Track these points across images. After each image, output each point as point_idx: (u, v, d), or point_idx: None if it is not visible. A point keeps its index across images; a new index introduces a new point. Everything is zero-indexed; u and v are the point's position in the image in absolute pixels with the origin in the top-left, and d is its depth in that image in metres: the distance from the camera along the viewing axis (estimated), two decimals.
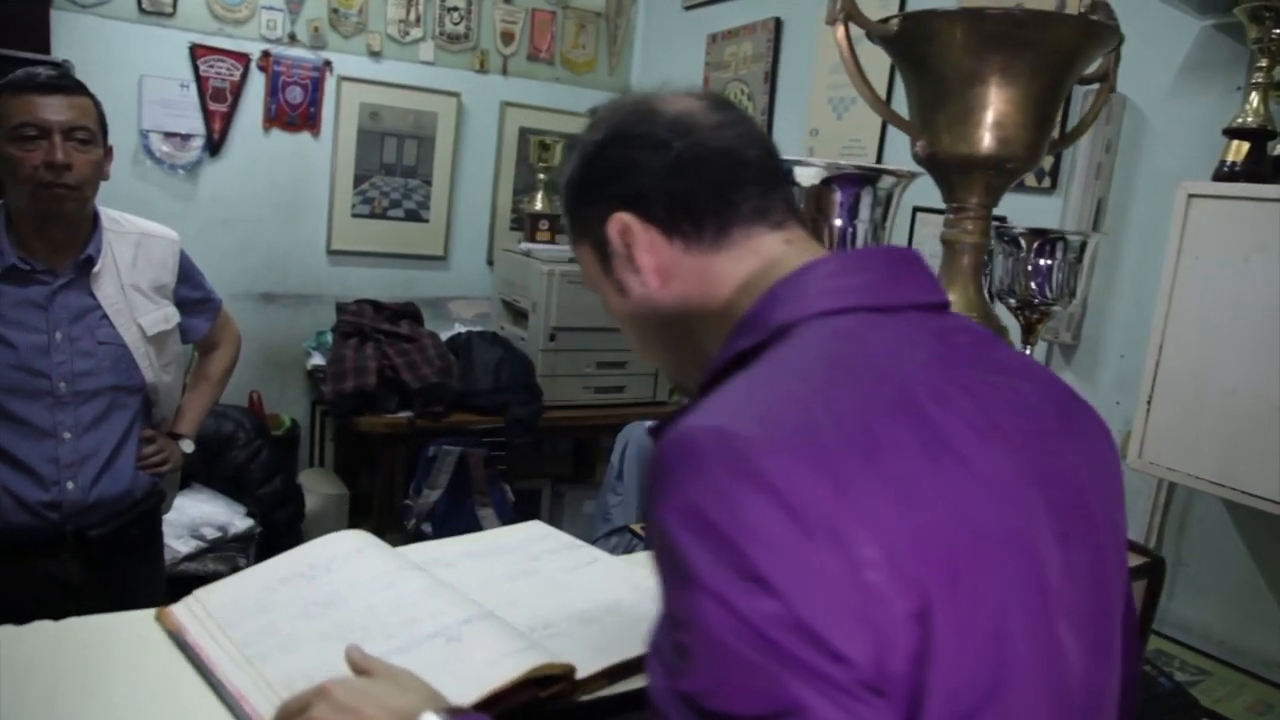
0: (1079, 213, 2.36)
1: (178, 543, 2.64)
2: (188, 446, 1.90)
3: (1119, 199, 2.34)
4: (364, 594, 1.01)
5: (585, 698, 0.95)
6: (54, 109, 1.57)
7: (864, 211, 1.04)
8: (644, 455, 3.14)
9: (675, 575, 0.56)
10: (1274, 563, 1.89)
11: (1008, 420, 0.66)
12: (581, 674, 0.94)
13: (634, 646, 0.98)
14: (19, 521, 1.62)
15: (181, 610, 1.00)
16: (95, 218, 1.70)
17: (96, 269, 1.67)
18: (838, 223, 1.04)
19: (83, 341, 1.66)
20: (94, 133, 1.63)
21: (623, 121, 0.79)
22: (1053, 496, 0.65)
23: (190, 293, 1.87)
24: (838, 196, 1.03)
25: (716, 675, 0.53)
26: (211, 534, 2.75)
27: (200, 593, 1.02)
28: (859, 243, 1.05)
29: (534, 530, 1.30)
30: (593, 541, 3.13)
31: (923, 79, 1.17)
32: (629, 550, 2.95)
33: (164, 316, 1.77)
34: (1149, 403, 1.88)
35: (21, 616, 1.00)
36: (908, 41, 1.15)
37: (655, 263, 0.77)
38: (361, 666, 0.80)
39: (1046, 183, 2.45)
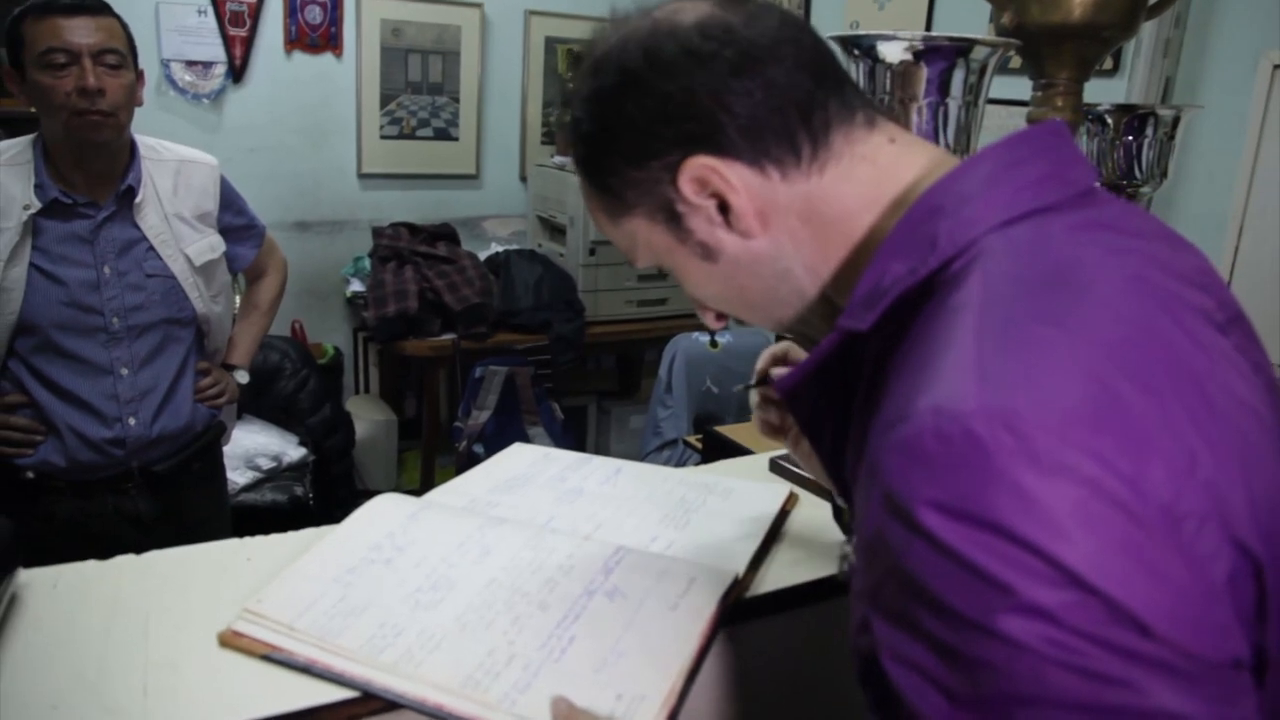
0: (1145, 94, 2.24)
1: (235, 474, 2.65)
2: (243, 377, 1.88)
3: (1188, 77, 2.22)
4: (470, 568, 0.93)
5: (748, 595, 0.96)
6: (81, 31, 1.49)
7: (955, 88, 0.96)
8: (693, 367, 3.11)
9: (955, 590, 0.45)
10: None
11: (1226, 331, 0.57)
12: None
13: (739, 540, 1.03)
14: (85, 459, 1.61)
15: (254, 629, 0.84)
16: (133, 146, 1.65)
17: (139, 199, 1.62)
18: (928, 102, 0.96)
19: (131, 275, 1.62)
20: (124, 55, 1.56)
21: (640, 51, 0.63)
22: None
23: (234, 219, 1.81)
24: (927, 73, 0.96)
25: (1043, 694, 0.44)
26: (267, 464, 2.76)
27: (255, 606, 0.86)
28: (951, 123, 0.97)
29: (529, 452, 1.27)
30: (643, 455, 3.14)
31: None
32: (681, 462, 2.94)
33: (210, 245, 1.73)
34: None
35: (95, 553, 0.98)
36: None
37: (753, 205, 0.63)
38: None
39: (1109, 64, 2.33)
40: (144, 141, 1.67)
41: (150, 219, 1.64)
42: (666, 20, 0.64)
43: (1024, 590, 0.44)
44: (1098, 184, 0.63)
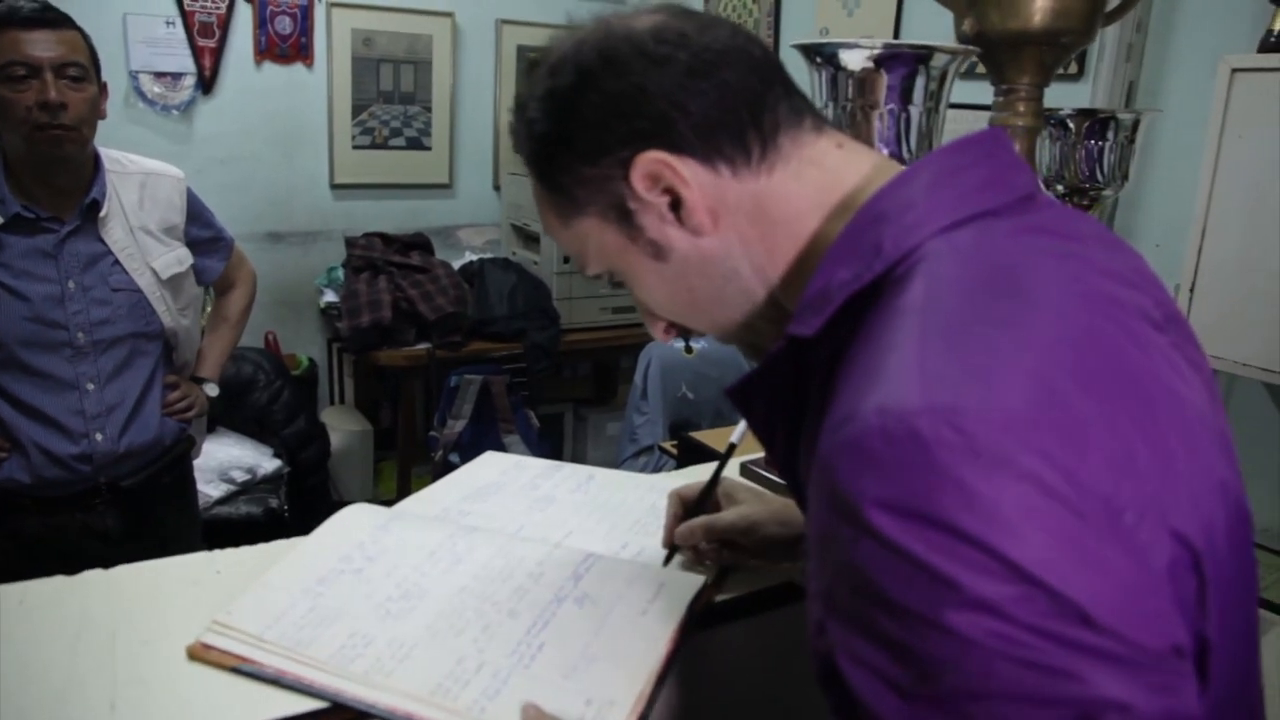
0: (1109, 98, 2.27)
1: (208, 487, 2.63)
2: (212, 390, 1.87)
3: (1151, 81, 2.25)
4: (440, 577, 0.93)
5: (717, 600, 0.96)
6: (42, 45, 1.48)
7: (917, 95, 0.97)
8: (668, 373, 3.12)
9: (903, 587, 0.46)
10: None
11: (1161, 325, 0.59)
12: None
13: None
14: (51, 475, 1.60)
15: (223, 641, 0.84)
16: (96, 159, 1.63)
17: (103, 213, 1.61)
18: (889, 108, 0.97)
19: (97, 289, 1.61)
20: (86, 69, 1.54)
21: (595, 52, 0.64)
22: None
23: (201, 232, 1.80)
24: (888, 80, 0.97)
25: (991, 687, 0.45)
26: (241, 477, 2.75)
27: (224, 618, 0.86)
28: (913, 129, 0.99)
29: (500, 460, 1.26)
30: (620, 462, 3.14)
31: None
32: (658, 468, 2.94)
33: (177, 259, 1.72)
34: (1191, 290, 1.83)
35: (64, 569, 0.97)
36: None
37: (704, 201, 0.64)
38: None
39: (1073, 68, 2.36)
40: (108, 154, 1.66)
41: (115, 233, 1.63)
42: (622, 26, 0.65)
43: (970, 585, 0.44)
44: (1038, 189, 0.64)
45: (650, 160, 0.63)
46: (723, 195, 0.64)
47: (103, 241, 1.61)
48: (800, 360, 0.63)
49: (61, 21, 1.53)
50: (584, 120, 0.65)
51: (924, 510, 0.46)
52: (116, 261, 1.62)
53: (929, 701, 0.46)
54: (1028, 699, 0.44)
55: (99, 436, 1.62)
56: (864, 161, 0.66)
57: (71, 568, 0.98)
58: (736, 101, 0.63)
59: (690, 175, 0.63)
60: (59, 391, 1.59)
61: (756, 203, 0.64)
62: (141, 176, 1.69)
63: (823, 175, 0.65)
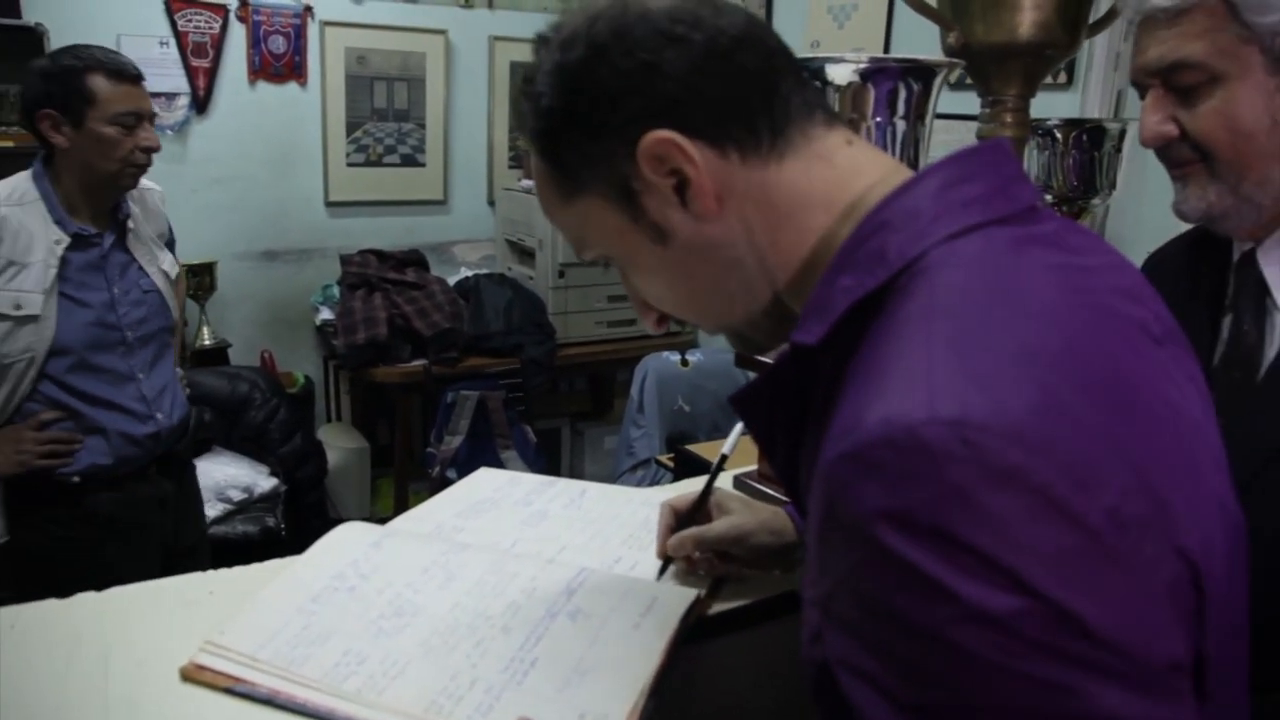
0: (1099, 107, 2.29)
1: (205, 506, 2.63)
2: None
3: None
4: (434, 594, 0.93)
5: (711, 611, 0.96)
6: (144, 99, 1.78)
7: (903, 107, 0.98)
8: (664, 386, 3.12)
9: (904, 599, 0.46)
10: None
11: (1162, 336, 0.60)
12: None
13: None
14: (129, 454, 1.84)
15: (216, 661, 0.84)
16: None
17: (132, 226, 1.87)
18: (876, 121, 0.98)
19: (133, 293, 1.86)
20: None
21: (609, 28, 0.63)
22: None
23: (170, 236, 2.06)
24: (874, 93, 0.98)
25: (990, 700, 0.45)
26: (238, 496, 2.74)
27: (217, 638, 0.86)
28: (899, 140, 0.99)
29: (494, 477, 1.27)
30: (618, 476, 3.14)
31: None
32: (655, 481, 2.94)
33: (171, 261, 1.99)
34: None
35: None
36: None
37: (711, 184, 0.62)
38: None
39: (1062, 78, 2.37)
40: None
41: (135, 243, 1.89)
42: (638, 5, 0.64)
43: (972, 598, 0.44)
44: (1040, 202, 0.64)
45: (658, 140, 0.61)
46: (730, 181, 0.62)
47: (128, 251, 1.88)
48: (803, 368, 0.62)
49: (142, 77, 1.81)
50: (592, 96, 0.63)
51: (929, 523, 0.45)
52: (141, 268, 1.89)
53: (925, 714, 0.46)
54: (1026, 713, 0.44)
55: (159, 415, 1.89)
56: (873, 163, 0.65)
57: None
58: (750, 87, 0.62)
59: (698, 157, 0.61)
60: (122, 384, 1.83)
61: (764, 192, 0.63)
62: (139, 192, 1.93)
63: (832, 173, 0.64)
